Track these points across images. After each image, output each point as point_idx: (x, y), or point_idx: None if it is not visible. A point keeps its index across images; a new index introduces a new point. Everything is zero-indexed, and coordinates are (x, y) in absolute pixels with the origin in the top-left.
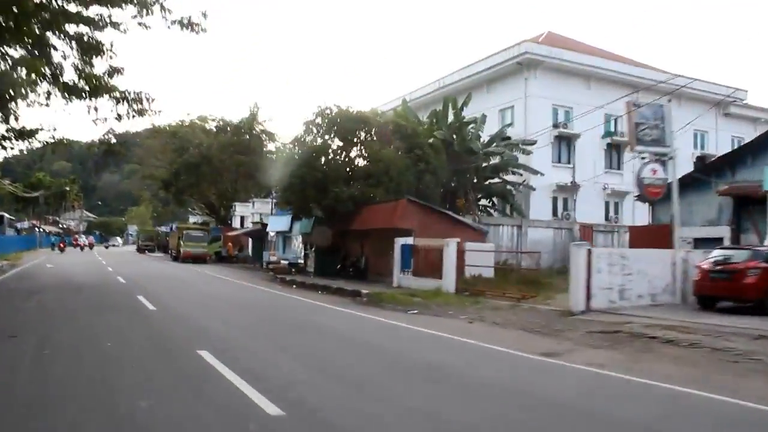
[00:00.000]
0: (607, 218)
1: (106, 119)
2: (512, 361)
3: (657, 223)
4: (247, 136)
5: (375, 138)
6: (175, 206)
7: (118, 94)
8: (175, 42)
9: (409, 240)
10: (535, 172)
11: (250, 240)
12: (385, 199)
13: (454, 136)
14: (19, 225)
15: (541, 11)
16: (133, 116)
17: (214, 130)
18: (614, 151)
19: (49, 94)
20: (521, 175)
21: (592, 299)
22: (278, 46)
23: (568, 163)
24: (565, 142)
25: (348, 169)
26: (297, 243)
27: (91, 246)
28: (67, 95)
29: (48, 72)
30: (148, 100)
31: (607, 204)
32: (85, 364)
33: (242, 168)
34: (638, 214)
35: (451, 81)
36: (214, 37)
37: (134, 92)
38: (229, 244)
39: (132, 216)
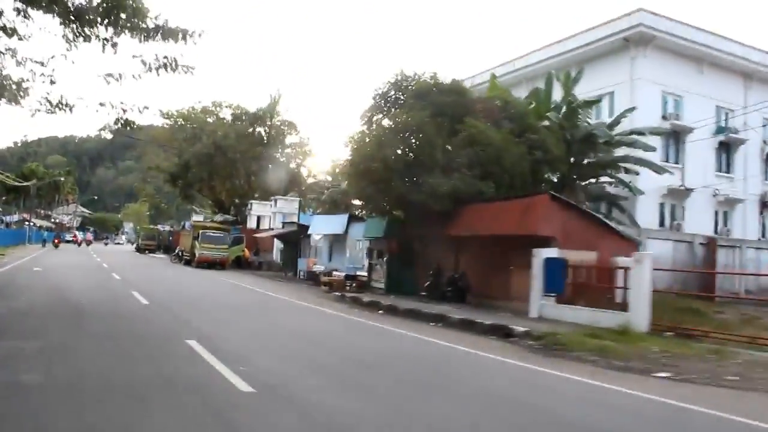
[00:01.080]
0: (716, 230)
1: (121, 76)
2: None
3: None
4: (267, 127)
5: (477, 116)
6: (182, 202)
7: (146, 24)
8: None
9: (553, 252)
10: (662, 171)
11: (276, 243)
12: (496, 196)
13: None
14: (8, 218)
15: None
16: (162, 67)
17: (229, 118)
18: (724, 152)
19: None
20: (637, 174)
21: None
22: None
23: (677, 162)
24: (673, 138)
25: (443, 155)
26: (356, 250)
27: (88, 243)
28: (73, 34)
29: None
30: (190, 35)
31: (716, 213)
32: None
33: (260, 161)
34: (750, 227)
35: (535, 60)
36: (227, 15)
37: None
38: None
39: (128, 213)
